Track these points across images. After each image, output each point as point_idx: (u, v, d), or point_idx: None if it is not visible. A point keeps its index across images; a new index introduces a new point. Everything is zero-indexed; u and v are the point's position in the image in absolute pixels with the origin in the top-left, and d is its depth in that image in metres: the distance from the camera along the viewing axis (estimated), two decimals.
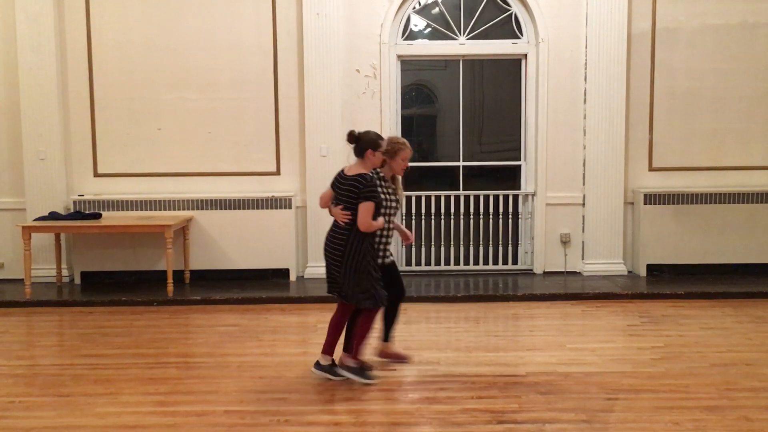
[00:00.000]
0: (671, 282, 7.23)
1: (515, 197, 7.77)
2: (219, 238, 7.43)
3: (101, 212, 7.31)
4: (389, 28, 7.48)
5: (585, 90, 7.50)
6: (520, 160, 7.84)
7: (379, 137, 4.53)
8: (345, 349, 4.78)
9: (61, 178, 7.42)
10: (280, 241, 7.40)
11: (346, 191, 4.43)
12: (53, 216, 7.10)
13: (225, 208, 7.41)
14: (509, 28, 7.65)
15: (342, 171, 4.56)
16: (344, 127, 7.29)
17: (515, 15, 7.61)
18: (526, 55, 7.65)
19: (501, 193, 7.75)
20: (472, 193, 7.74)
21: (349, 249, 4.41)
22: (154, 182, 7.53)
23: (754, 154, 7.63)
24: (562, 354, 5.14)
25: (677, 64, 7.55)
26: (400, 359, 4.94)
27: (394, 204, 4.70)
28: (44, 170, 7.37)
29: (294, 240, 7.43)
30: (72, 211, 7.32)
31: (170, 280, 6.84)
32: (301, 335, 5.77)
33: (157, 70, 7.47)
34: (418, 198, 7.72)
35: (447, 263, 7.79)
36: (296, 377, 4.66)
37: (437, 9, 7.67)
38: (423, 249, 7.79)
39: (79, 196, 7.44)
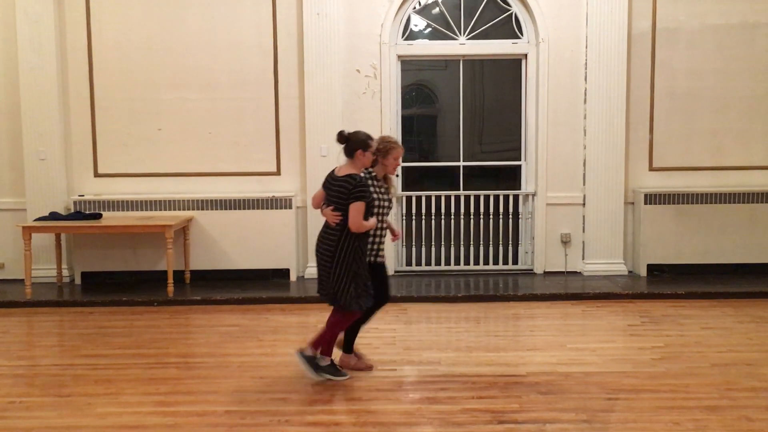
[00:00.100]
0: (672, 282, 7.23)
1: (515, 197, 7.77)
2: (219, 239, 7.43)
3: (101, 212, 7.31)
4: (389, 28, 7.48)
5: (585, 90, 7.50)
6: (520, 160, 7.84)
7: (369, 137, 4.51)
8: (343, 350, 4.79)
9: (61, 178, 7.43)
10: (281, 241, 7.40)
11: (337, 192, 4.41)
12: (53, 216, 7.10)
13: (225, 209, 7.41)
14: (509, 28, 7.65)
15: (333, 171, 4.54)
16: (344, 127, 7.23)
17: (515, 15, 7.61)
18: (526, 55, 7.65)
19: (501, 193, 7.75)
20: (472, 193, 7.74)
21: (340, 250, 4.39)
22: (155, 182, 7.53)
23: (754, 154, 7.63)
24: (563, 354, 5.14)
25: (677, 64, 7.55)
26: (364, 369, 4.80)
27: (386, 203, 4.69)
28: (44, 170, 7.37)
29: (294, 240, 7.43)
30: (72, 211, 7.33)
31: (171, 280, 6.85)
32: (301, 335, 5.76)
33: (158, 70, 7.47)
34: (419, 198, 7.72)
35: (447, 263, 7.79)
36: (296, 377, 4.65)
37: (437, 9, 7.67)
38: (423, 249, 7.79)
39: (79, 196, 7.44)
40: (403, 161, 7.65)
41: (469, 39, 7.64)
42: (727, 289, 6.86)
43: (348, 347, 4.81)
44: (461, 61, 7.76)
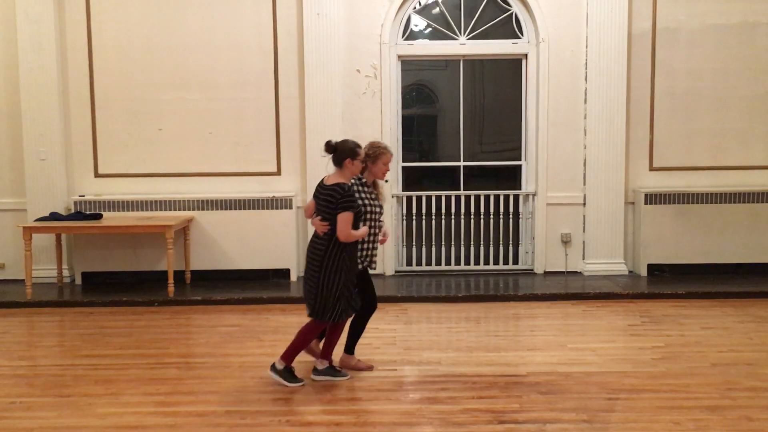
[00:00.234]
0: (672, 282, 7.23)
1: (516, 197, 7.77)
2: (220, 239, 7.43)
3: (102, 213, 7.31)
4: (389, 28, 7.48)
5: (585, 90, 7.49)
6: (520, 160, 7.84)
7: (357, 146, 4.50)
8: (345, 350, 4.80)
9: (61, 178, 7.43)
10: (281, 242, 7.40)
11: (325, 201, 4.40)
12: (54, 216, 7.10)
13: (226, 209, 7.41)
14: (509, 28, 7.65)
15: (322, 181, 4.54)
16: (345, 127, 7.31)
17: (515, 15, 7.61)
18: (526, 55, 7.65)
19: (502, 193, 7.75)
20: (472, 193, 7.74)
21: (327, 260, 4.37)
22: (155, 182, 7.53)
23: (754, 154, 7.63)
24: (563, 354, 5.14)
25: (678, 64, 7.55)
26: (363, 370, 4.82)
27: (378, 209, 4.69)
28: (45, 170, 7.37)
29: (294, 240, 7.43)
30: (73, 211, 7.33)
31: (171, 280, 6.85)
32: None
33: (158, 70, 7.47)
34: (419, 198, 7.72)
35: (448, 263, 7.79)
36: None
37: (437, 9, 7.67)
38: (423, 249, 7.79)
39: (79, 196, 7.44)
40: (403, 161, 7.79)
41: (469, 39, 7.64)
42: (727, 289, 6.86)
43: (349, 348, 4.82)
44: (461, 61, 7.76)
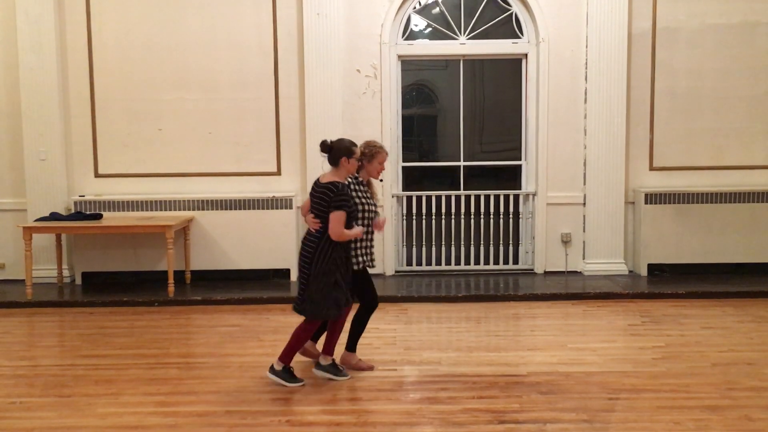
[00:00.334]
0: (672, 281, 7.23)
1: (516, 197, 7.77)
2: (220, 239, 7.43)
3: (102, 213, 7.31)
4: (389, 28, 7.48)
5: (585, 90, 7.49)
6: (520, 159, 7.84)
7: (353, 144, 4.52)
8: (346, 348, 4.80)
9: (61, 178, 7.43)
10: (281, 242, 7.40)
11: (318, 199, 4.42)
12: (54, 216, 7.10)
13: (226, 209, 7.41)
14: (509, 28, 7.65)
15: (318, 179, 4.55)
16: (345, 126, 7.30)
17: (515, 15, 7.61)
18: (526, 55, 7.65)
19: (502, 192, 7.75)
20: (472, 192, 7.73)
21: (317, 257, 4.38)
22: (155, 183, 7.53)
23: (755, 154, 7.62)
24: (563, 354, 5.14)
25: (678, 64, 7.55)
26: (363, 369, 4.83)
27: (373, 208, 4.69)
28: (45, 171, 7.37)
29: (295, 240, 7.41)
30: (73, 211, 7.33)
31: (171, 280, 6.85)
32: None
33: (158, 70, 7.47)
34: (419, 198, 7.72)
35: (448, 263, 7.79)
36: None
37: (437, 9, 7.66)
38: (424, 249, 7.79)
39: (79, 196, 7.44)
40: (403, 161, 7.79)
41: (469, 39, 7.64)
42: (727, 289, 6.86)
43: (350, 346, 4.82)
44: (461, 61, 7.76)
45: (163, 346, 5.46)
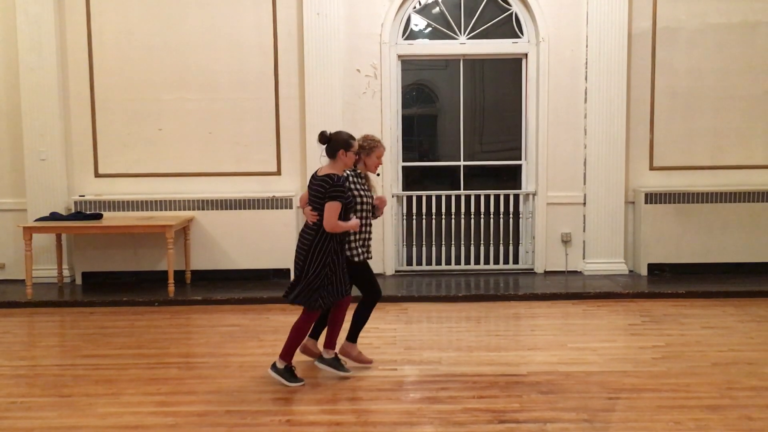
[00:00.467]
0: (672, 281, 7.23)
1: (516, 197, 7.77)
2: (220, 239, 7.43)
3: (102, 213, 7.31)
4: (390, 28, 7.48)
5: (585, 89, 7.49)
6: (520, 159, 7.84)
7: (351, 137, 4.53)
8: (348, 338, 4.81)
9: (62, 178, 7.43)
10: (281, 241, 7.39)
11: (315, 191, 4.44)
12: (54, 216, 7.10)
13: (226, 209, 7.41)
14: (510, 28, 7.65)
15: (315, 172, 4.56)
16: (345, 126, 7.27)
17: (516, 14, 7.61)
18: (526, 55, 7.65)
19: (502, 192, 7.75)
20: (473, 192, 7.73)
21: (314, 249, 4.40)
22: (155, 182, 7.53)
23: (755, 153, 7.62)
24: (564, 353, 5.14)
25: (678, 64, 7.55)
26: (363, 362, 4.86)
27: (371, 201, 4.71)
28: (45, 171, 7.37)
29: (295, 240, 7.36)
30: (73, 211, 7.33)
31: (171, 280, 6.85)
32: None
33: (158, 70, 7.47)
34: (419, 198, 7.72)
35: (448, 263, 7.79)
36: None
37: (438, 8, 7.66)
38: (424, 249, 7.79)
39: (80, 196, 7.44)
40: (403, 161, 7.79)
41: (469, 38, 7.63)
42: (727, 289, 6.86)
43: (352, 337, 4.83)
44: (461, 61, 7.76)
45: (163, 346, 5.46)
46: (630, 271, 7.61)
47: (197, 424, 3.98)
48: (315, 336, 4.89)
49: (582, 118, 7.55)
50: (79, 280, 7.46)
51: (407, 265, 7.81)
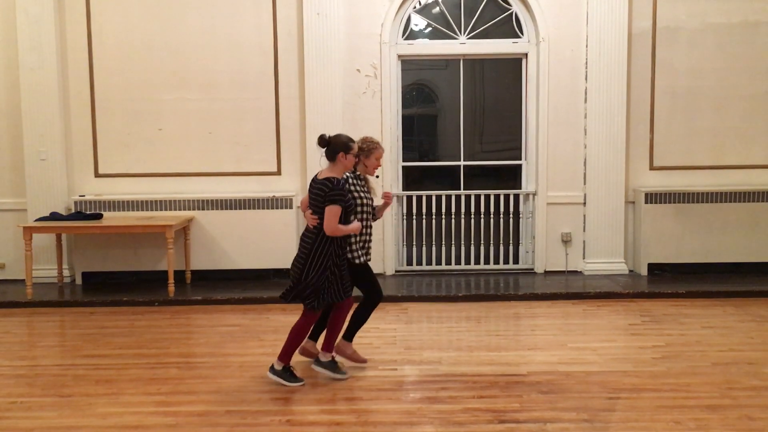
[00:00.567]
0: (672, 281, 7.23)
1: (516, 197, 7.77)
2: (220, 239, 7.43)
3: (102, 212, 7.31)
4: (390, 28, 7.48)
5: (585, 89, 7.49)
6: (520, 159, 7.84)
7: (351, 140, 4.53)
8: (344, 336, 4.81)
9: (62, 178, 7.43)
10: (281, 241, 7.39)
11: (315, 195, 4.44)
12: (54, 216, 7.10)
13: (226, 208, 7.41)
14: (510, 28, 7.65)
15: (315, 175, 4.56)
16: (345, 126, 7.29)
17: (516, 14, 7.60)
18: (526, 55, 7.65)
19: (502, 192, 7.75)
20: (473, 192, 7.73)
21: (314, 253, 4.40)
22: (155, 182, 7.53)
23: (755, 153, 7.62)
24: (564, 353, 5.14)
25: (678, 63, 7.54)
26: (357, 361, 4.86)
27: (371, 203, 4.72)
28: (45, 171, 7.37)
29: (295, 240, 7.39)
30: (73, 211, 7.33)
31: (171, 280, 6.85)
32: None
33: (158, 70, 7.47)
34: (419, 197, 7.72)
35: (448, 263, 7.79)
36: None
37: (438, 8, 7.66)
38: (424, 249, 7.79)
39: (80, 196, 7.44)
40: (403, 161, 7.79)
41: (469, 38, 7.63)
42: (727, 288, 6.86)
43: (348, 336, 4.83)
44: (461, 61, 7.76)
45: (163, 346, 5.46)
46: (630, 271, 7.61)
47: (197, 424, 3.98)
48: (314, 337, 4.89)
49: (582, 118, 7.55)
50: (79, 280, 7.46)
51: (407, 265, 7.81)
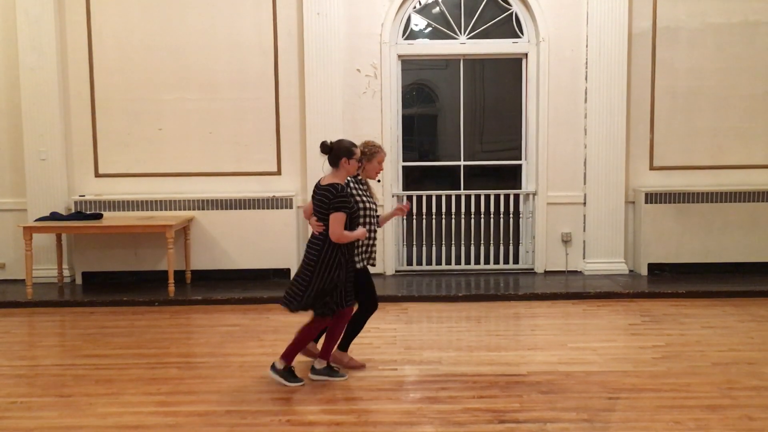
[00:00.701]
0: (672, 281, 7.23)
1: (516, 196, 7.77)
2: (220, 238, 7.43)
3: (102, 212, 7.31)
4: (390, 28, 7.48)
5: (586, 89, 7.49)
6: (521, 159, 7.84)
7: (353, 145, 4.50)
8: (339, 347, 4.79)
9: (62, 178, 7.43)
10: (281, 241, 7.40)
11: (319, 201, 4.41)
12: (54, 216, 7.10)
13: (226, 208, 7.41)
14: (510, 28, 7.65)
15: (318, 182, 4.53)
16: (345, 126, 7.30)
17: (516, 14, 7.60)
18: (526, 55, 7.65)
19: (502, 192, 7.75)
20: (473, 192, 7.73)
21: (321, 261, 4.37)
22: (155, 182, 7.53)
23: (755, 153, 7.62)
24: (564, 353, 5.13)
25: (678, 63, 7.54)
26: (355, 368, 4.84)
27: (374, 206, 4.70)
28: (45, 170, 7.37)
29: (295, 240, 7.43)
30: (73, 211, 7.33)
31: (171, 280, 6.85)
32: None
33: (158, 70, 7.47)
34: (419, 197, 7.72)
35: (448, 263, 7.79)
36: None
37: (438, 8, 7.66)
38: (424, 249, 7.79)
39: (80, 196, 7.44)
40: (403, 161, 7.79)
41: (469, 38, 7.64)
42: (728, 288, 6.86)
43: (344, 345, 4.82)
44: (462, 61, 7.76)
45: (163, 346, 5.46)
46: (630, 271, 7.61)
47: (197, 424, 3.98)
48: (315, 338, 4.88)
49: (582, 118, 7.55)
50: (79, 280, 7.46)
51: (407, 265, 7.81)
